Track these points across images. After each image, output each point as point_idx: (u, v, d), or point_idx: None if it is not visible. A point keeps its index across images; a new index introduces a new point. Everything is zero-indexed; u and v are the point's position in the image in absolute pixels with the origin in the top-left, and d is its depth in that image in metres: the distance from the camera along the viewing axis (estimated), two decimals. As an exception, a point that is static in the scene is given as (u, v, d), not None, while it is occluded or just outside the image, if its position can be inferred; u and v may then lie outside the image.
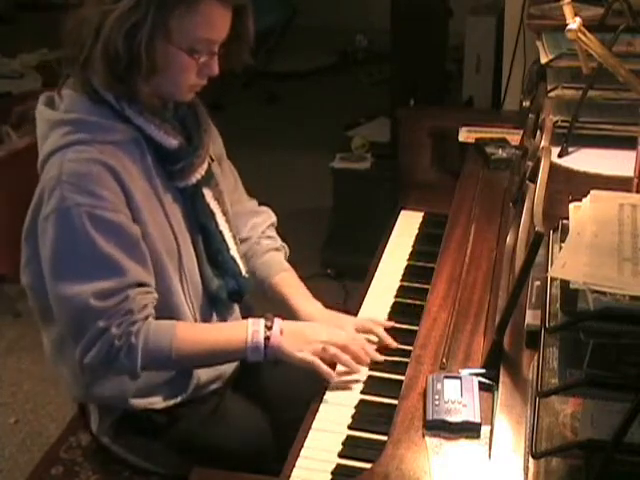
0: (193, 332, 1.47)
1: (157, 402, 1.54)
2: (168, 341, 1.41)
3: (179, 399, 1.55)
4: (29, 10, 5.86)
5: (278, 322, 1.45)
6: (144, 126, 1.41)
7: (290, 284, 1.65)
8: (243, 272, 1.59)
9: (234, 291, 1.57)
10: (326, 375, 1.44)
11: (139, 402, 1.53)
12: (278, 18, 5.08)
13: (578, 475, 1.04)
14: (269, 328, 1.44)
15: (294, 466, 1.28)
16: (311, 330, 1.49)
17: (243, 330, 1.44)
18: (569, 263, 1.11)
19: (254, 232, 1.70)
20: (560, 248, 1.28)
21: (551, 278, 1.20)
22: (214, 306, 1.57)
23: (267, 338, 1.43)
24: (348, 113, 3.96)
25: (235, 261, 1.58)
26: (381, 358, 1.50)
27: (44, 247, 1.39)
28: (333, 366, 1.47)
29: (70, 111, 1.40)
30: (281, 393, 1.66)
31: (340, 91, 5.10)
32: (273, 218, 1.76)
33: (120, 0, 1.32)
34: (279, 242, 1.73)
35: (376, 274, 1.81)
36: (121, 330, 1.37)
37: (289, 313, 1.61)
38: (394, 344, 1.54)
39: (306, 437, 1.35)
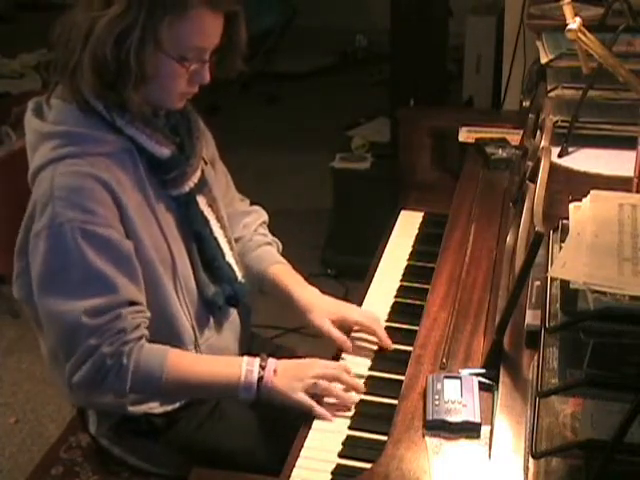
0: (186, 361, 1.44)
1: (155, 407, 1.54)
2: (159, 366, 1.38)
3: (177, 405, 1.55)
4: (29, 10, 5.87)
5: (272, 362, 1.42)
6: (135, 136, 1.40)
7: (285, 274, 1.64)
8: (239, 277, 1.59)
9: (230, 297, 1.57)
10: (323, 417, 1.38)
11: (138, 408, 1.52)
12: (278, 19, 5.08)
13: (578, 475, 1.04)
14: (263, 368, 1.40)
15: (294, 466, 1.28)
16: (304, 367, 1.44)
17: (237, 367, 1.41)
18: (569, 263, 1.11)
19: (246, 231, 1.71)
20: (560, 248, 1.28)
21: (551, 278, 1.20)
22: (211, 312, 1.56)
23: (260, 379, 1.39)
24: (348, 113, 3.96)
25: (231, 267, 1.57)
26: (361, 389, 1.44)
27: (34, 263, 1.36)
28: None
29: (59, 122, 1.38)
30: None
31: (340, 91, 5.10)
32: (264, 217, 1.76)
33: (110, 6, 1.30)
34: (270, 237, 1.73)
35: (376, 274, 1.81)
36: (113, 349, 1.34)
37: (288, 303, 1.60)
38: (391, 346, 1.54)
39: (306, 437, 1.35)
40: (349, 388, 1.43)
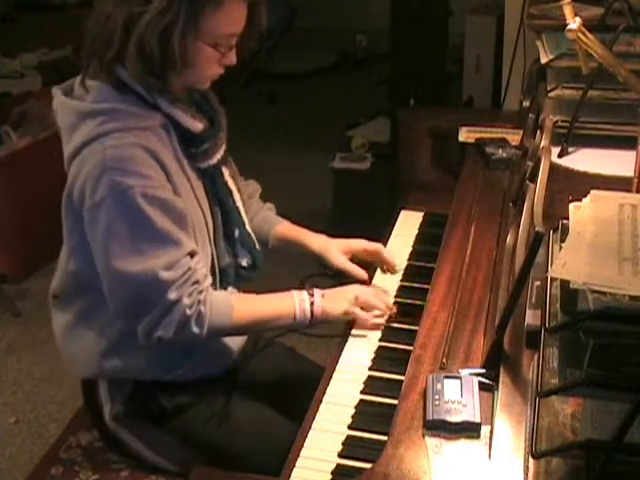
0: (249, 304, 1.56)
1: (164, 374, 1.57)
2: (229, 313, 1.49)
3: (187, 368, 1.58)
4: (29, 10, 5.87)
5: (318, 290, 1.59)
6: (172, 112, 1.47)
7: (292, 228, 1.80)
8: (256, 246, 1.67)
9: (250, 265, 1.64)
10: (363, 320, 1.62)
11: (151, 373, 1.57)
12: (278, 19, 5.08)
13: (578, 475, 1.04)
14: (311, 295, 1.57)
15: (294, 466, 1.28)
16: (345, 290, 1.64)
17: (291, 301, 1.56)
18: (569, 263, 1.11)
19: (251, 201, 1.79)
20: (560, 248, 1.28)
21: (551, 278, 1.20)
22: (223, 283, 1.60)
23: (312, 304, 1.56)
24: (348, 113, 3.97)
25: (250, 235, 1.66)
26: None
27: (96, 233, 1.41)
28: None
29: (102, 101, 1.44)
30: (281, 388, 1.72)
31: (340, 91, 5.10)
32: (260, 188, 1.86)
33: (150, 2, 1.36)
34: (269, 204, 1.86)
35: (376, 274, 1.81)
36: (192, 299, 1.43)
37: (302, 252, 1.78)
38: (395, 266, 1.78)
39: (306, 437, 1.35)
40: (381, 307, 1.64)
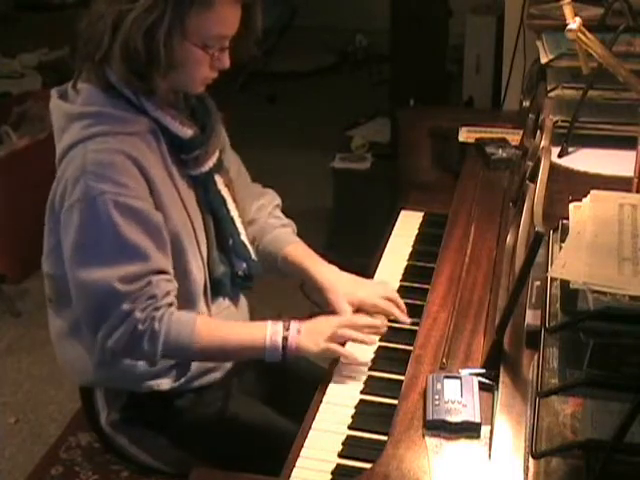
0: (214, 328, 1.49)
1: (164, 383, 1.55)
2: (189, 334, 1.43)
3: (183, 380, 1.56)
4: (29, 10, 5.87)
5: (295, 324, 1.48)
6: (161, 118, 1.45)
7: (302, 253, 1.68)
8: (252, 256, 1.63)
9: (245, 275, 1.61)
10: (346, 356, 1.49)
11: (146, 384, 1.54)
12: (278, 18, 5.08)
13: (578, 475, 1.04)
14: (286, 329, 1.46)
15: (294, 466, 1.28)
16: (323, 321, 1.53)
17: (262, 331, 1.47)
18: (569, 263, 1.11)
19: (261, 213, 1.74)
20: (560, 248, 1.29)
21: (551, 278, 1.20)
22: (219, 292, 1.58)
23: (285, 339, 1.46)
24: (348, 113, 3.96)
25: (245, 246, 1.62)
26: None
27: (67, 235, 1.40)
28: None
29: (90, 104, 1.43)
30: (280, 388, 1.71)
31: (340, 91, 5.10)
32: (278, 199, 1.79)
33: (137, 0, 1.34)
34: (286, 220, 1.76)
35: (376, 274, 1.81)
36: (145, 314, 1.39)
37: (307, 280, 1.65)
38: (407, 321, 1.59)
39: (306, 437, 1.35)
40: (367, 330, 1.53)
